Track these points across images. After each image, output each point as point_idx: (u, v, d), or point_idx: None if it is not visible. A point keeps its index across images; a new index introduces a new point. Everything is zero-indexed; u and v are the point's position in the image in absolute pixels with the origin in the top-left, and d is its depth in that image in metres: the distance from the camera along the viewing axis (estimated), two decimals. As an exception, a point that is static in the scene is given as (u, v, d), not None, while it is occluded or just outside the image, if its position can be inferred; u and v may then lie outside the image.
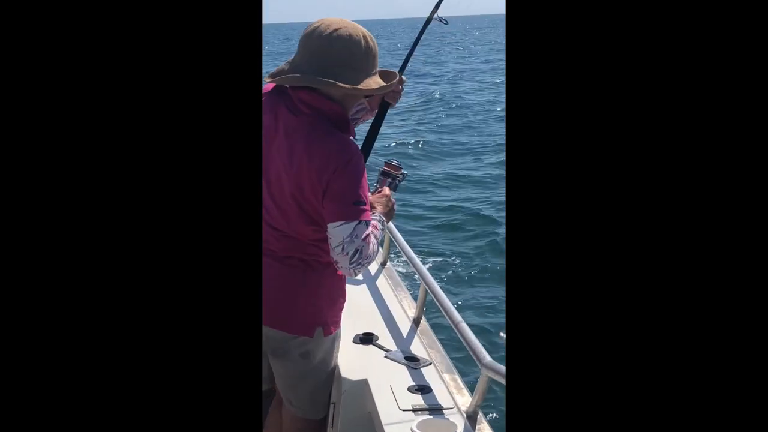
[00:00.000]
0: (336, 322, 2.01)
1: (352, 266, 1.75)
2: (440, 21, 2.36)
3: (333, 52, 1.71)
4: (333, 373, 2.10)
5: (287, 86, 1.82)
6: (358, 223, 1.73)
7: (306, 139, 1.75)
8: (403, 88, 2.13)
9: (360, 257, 1.75)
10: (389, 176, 2.12)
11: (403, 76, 2.09)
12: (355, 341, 2.37)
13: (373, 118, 2.19)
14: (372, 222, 1.83)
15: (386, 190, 2.04)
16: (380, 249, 3.05)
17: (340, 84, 1.71)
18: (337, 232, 1.73)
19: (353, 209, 1.73)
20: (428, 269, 2.54)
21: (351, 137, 1.83)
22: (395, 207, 2.05)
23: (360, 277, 2.90)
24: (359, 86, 1.74)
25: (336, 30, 1.71)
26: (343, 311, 2.54)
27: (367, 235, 1.76)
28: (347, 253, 1.73)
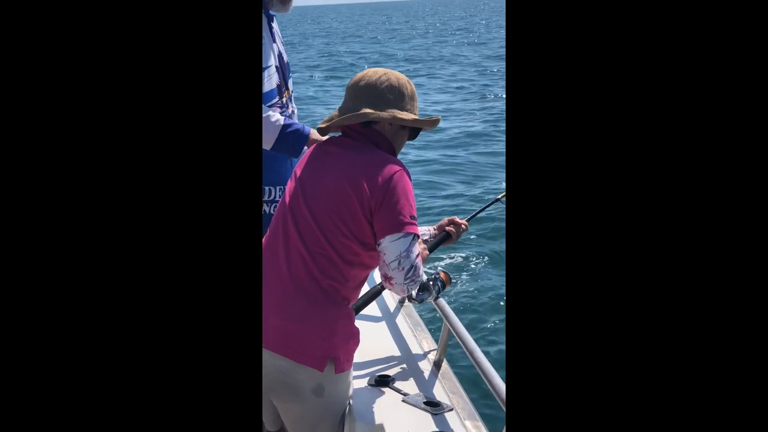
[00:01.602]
0: (348, 361, 1.89)
1: (406, 282, 1.78)
2: None
3: (382, 94, 1.85)
4: (344, 417, 1.94)
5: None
6: (413, 238, 1.77)
7: (362, 153, 1.84)
8: (466, 229, 2.35)
9: (414, 274, 1.78)
10: (439, 281, 2.20)
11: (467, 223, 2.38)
12: (370, 383, 2.20)
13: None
14: None
15: (423, 245, 2.10)
16: None
17: (400, 116, 1.82)
18: (393, 246, 1.75)
19: (410, 223, 1.77)
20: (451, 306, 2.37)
21: None
22: (426, 254, 2.10)
23: (378, 313, 2.74)
24: (417, 118, 1.86)
25: (384, 74, 1.87)
26: (359, 351, 2.37)
27: (419, 254, 1.80)
28: (403, 269, 1.76)
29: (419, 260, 1.78)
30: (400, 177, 1.78)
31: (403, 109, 1.86)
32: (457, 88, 18.85)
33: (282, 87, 2.54)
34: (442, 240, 2.30)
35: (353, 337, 1.90)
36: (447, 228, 2.30)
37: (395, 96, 1.86)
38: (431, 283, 2.18)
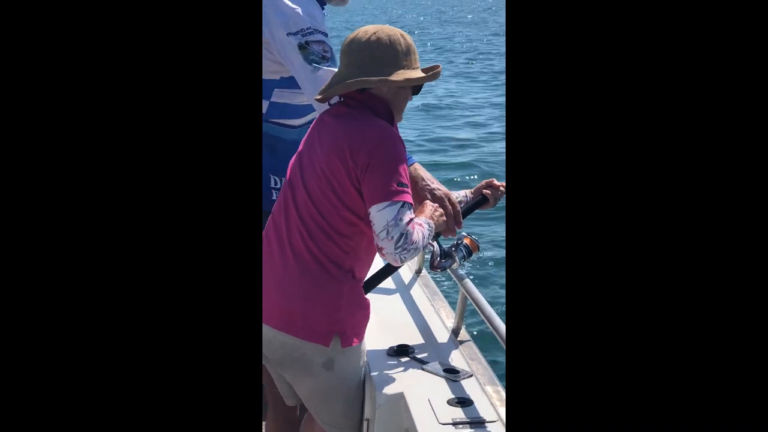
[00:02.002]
0: (358, 334, 1.89)
1: (397, 251, 1.71)
2: None
3: (375, 54, 1.79)
4: (362, 389, 1.96)
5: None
6: (402, 205, 1.71)
7: (350, 120, 1.79)
8: (504, 194, 2.18)
9: (405, 242, 1.71)
10: (463, 247, 2.11)
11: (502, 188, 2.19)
12: (389, 353, 2.21)
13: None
14: (417, 221, 1.79)
15: (437, 206, 1.97)
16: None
17: (390, 79, 1.76)
18: (380, 215, 1.70)
19: (397, 190, 1.71)
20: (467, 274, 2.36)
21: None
22: (442, 220, 1.96)
23: (393, 286, 2.74)
24: (410, 78, 1.79)
25: (374, 33, 1.80)
26: (377, 322, 2.38)
27: (411, 220, 1.73)
28: (392, 238, 1.70)
29: (412, 227, 1.72)
30: (386, 144, 1.74)
31: (398, 66, 1.79)
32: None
33: None
34: (479, 204, 2.18)
35: (360, 309, 1.88)
36: (484, 191, 2.19)
37: (387, 55, 1.79)
38: (454, 249, 2.11)
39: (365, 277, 1.92)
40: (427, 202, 1.95)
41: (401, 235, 1.69)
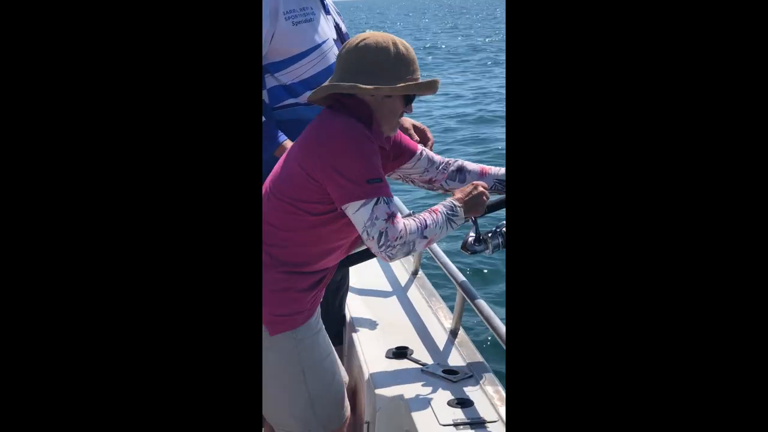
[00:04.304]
0: (289, 322, 1.77)
1: (382, 250, 1.68)
2: None
3: (358, 61, 1.75)
4: (315, 382, 1.83)
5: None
6: (376, 202, 1.66)
7: (324, 118, 1.78)
8: None
9: (387, 239, 1.66)
10: (500, 235, 1.92)
11: None
12: (388, 356, 2.21)
13: None
14: (435, 208, 1.76)
15: (481, 183, 1.84)
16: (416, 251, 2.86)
17: (360, 86, 1.72)
18: (356, 217, 1.67)
19: (368, 188, 1.66)
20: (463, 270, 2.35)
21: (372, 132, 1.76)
22: (485, 198, 1.83)
23: (389, 288, 2.73)
24: (381, 86, 1.72)
25: (363, 40, 1.76)
26: (374, 324, 2.36)
27: (392, 214, 1.67)
28: (373, 238, 1.66)
29: (393, 222, 1.66)
30: (352, 140, 1.69)
31: (384, 74, 1.72)
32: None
33: None
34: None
35: (293, 292, 1.78)
36: None
37: (373, 62, 1.73)
38: (490, 235, 1.93)
39: (307, 264, 1.80)
40: (477, 183, 1.84)
41: (380, 233, 1.65)
